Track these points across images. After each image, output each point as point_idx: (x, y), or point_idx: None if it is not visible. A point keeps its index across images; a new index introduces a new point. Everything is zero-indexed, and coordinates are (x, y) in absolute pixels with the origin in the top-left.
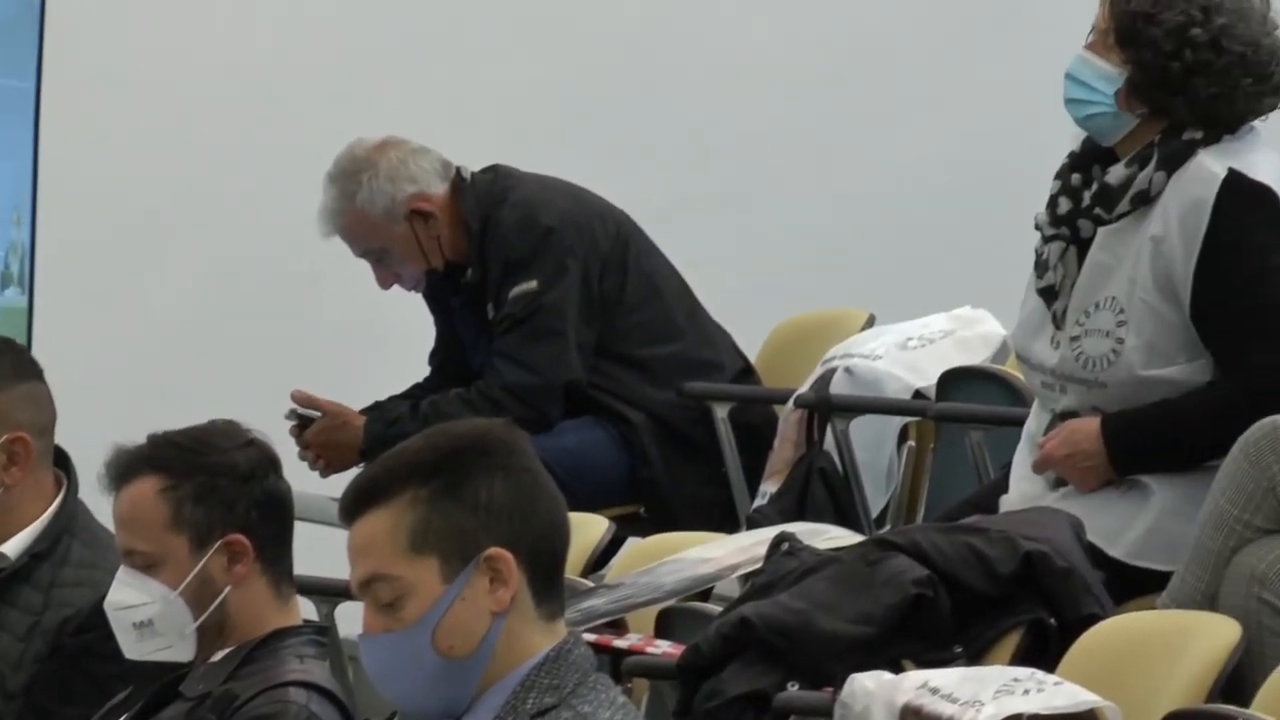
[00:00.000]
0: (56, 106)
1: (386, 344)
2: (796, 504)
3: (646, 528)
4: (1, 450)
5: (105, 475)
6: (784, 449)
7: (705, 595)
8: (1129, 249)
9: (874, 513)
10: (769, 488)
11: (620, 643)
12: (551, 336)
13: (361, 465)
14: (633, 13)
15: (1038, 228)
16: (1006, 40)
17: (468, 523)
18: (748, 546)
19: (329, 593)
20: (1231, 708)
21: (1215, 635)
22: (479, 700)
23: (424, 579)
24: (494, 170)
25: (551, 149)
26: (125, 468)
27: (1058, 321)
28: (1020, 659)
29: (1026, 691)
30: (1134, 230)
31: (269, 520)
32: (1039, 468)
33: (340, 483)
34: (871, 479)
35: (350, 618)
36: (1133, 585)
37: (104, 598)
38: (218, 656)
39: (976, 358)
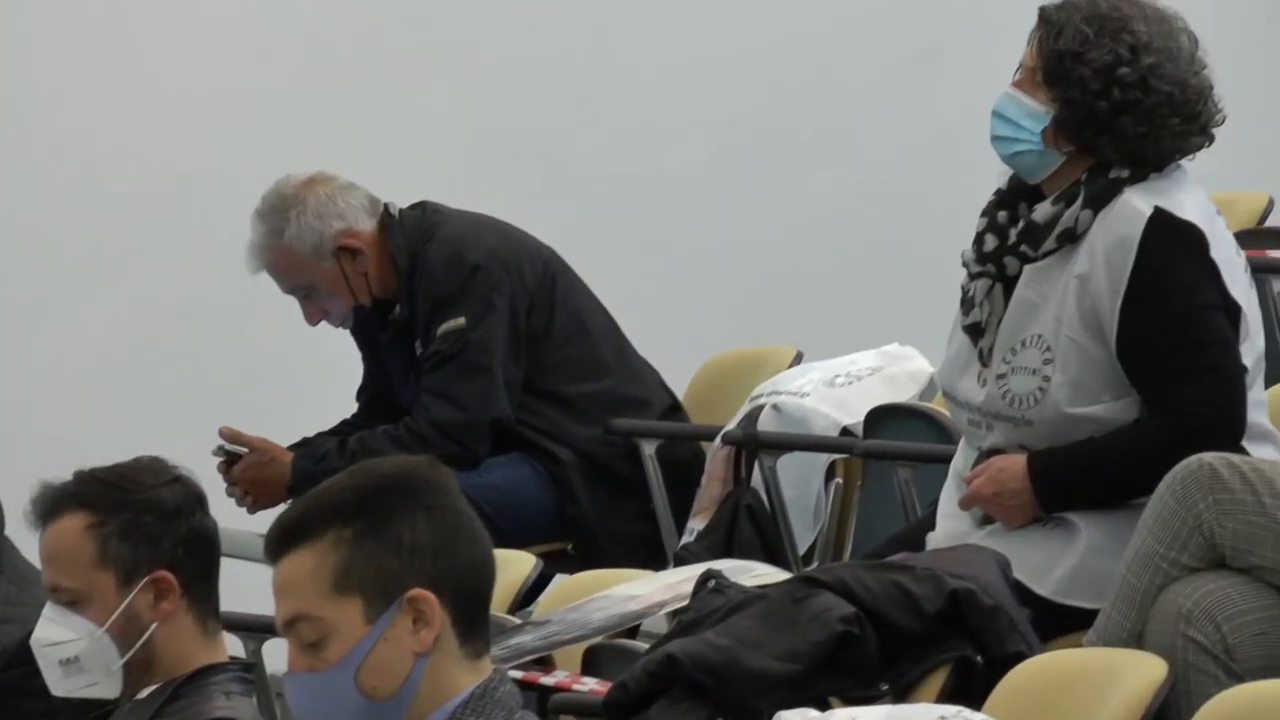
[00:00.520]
0: None
1: (314, 380)
2: (724, 541)
3: (574, 564)
4: None
5: (31, 512)
6: (711, 486)
7: (632, 632)
8: (1055, 287)
9: (801, 550)
10: (696, 525)
11: (547, 680)
12: (479, 373)
13: (289, 502)
14: (560, 51)
15: (964, 265)
16: (932, 77)
17: (391, 563)
18: (675, 584)
19: (256, 629)
20: None
21: (1142, 673)
22: None
23: (347, 620)
24: (422, 207)
25: (479, 186)
26: (51, 504)
27: (984, 359)
28: (947, 697)
29: None
30: (1060, 268)
31: (195, 557)
32: (965, 504)
33: (268, 519)
34: (799, 516)
35: (278, 654)
36: (1059, 623)
37: (30, 634)
38: (144, 693)
39: (904, 395)
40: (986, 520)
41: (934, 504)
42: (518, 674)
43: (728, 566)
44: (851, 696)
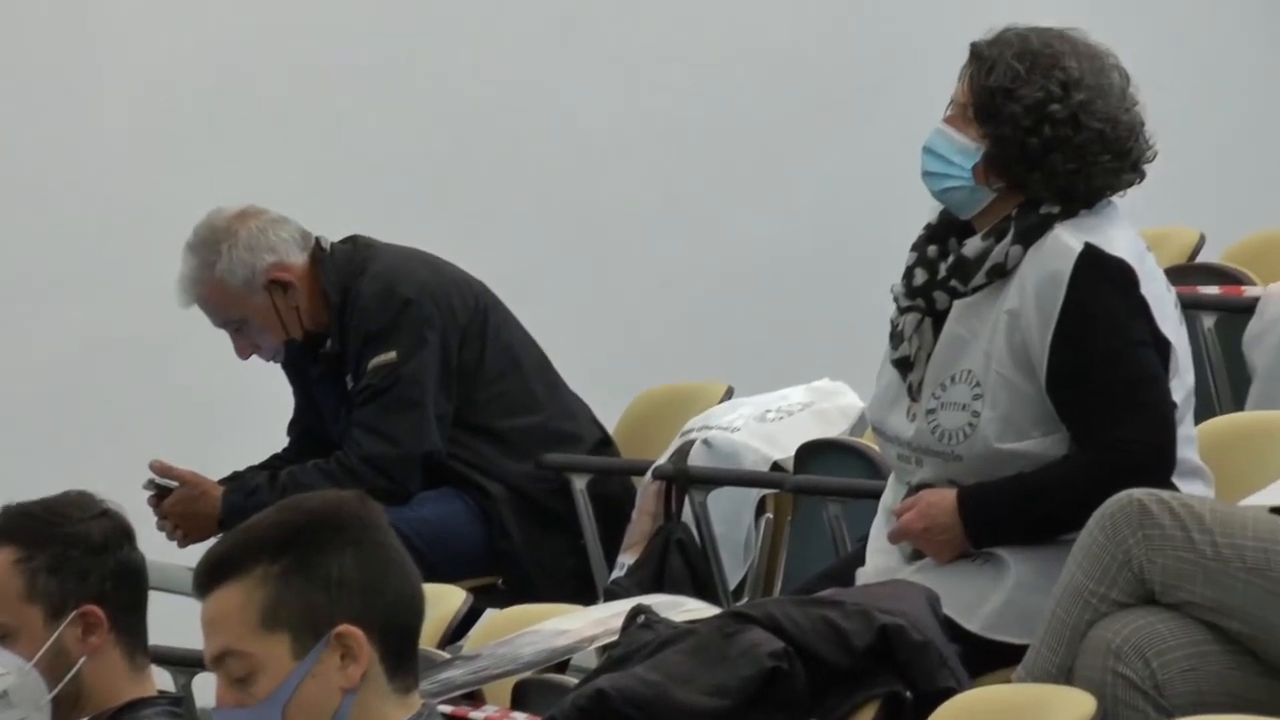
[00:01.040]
0: None
1: (245, 414)
2: (654, 576)
3: (504, 599)
4: None
5: None
6: (642, 521)
7: (562, 667)
8: (985, 322)
9: (732, 585)
10: (627, 559)
11: (476, 714)
12: (410, 407)
13: (220, 535)
14: (491, 83)
15: (894, 299)
16: (863, 114)
17: (319, 599)
18: (605, 618)
19: (185, 663)
20: None
21: (1071, 709)
22: None
23: (275, 655)
24: (353, 241)
25: (410, 220)
26: None
27: (913, 394)
28: None
29: None
30: (990, 303)
31: (123, 591)
32: (894, 538)
33: (199, 553)
34: (729, 551)
35: (207, 688)
36: (989, 658)
37: None
38: None
39: (834, 430)
40: (916, 555)
41: (864, 539)
42: (447, 708)
43: (658, 601)
44: None
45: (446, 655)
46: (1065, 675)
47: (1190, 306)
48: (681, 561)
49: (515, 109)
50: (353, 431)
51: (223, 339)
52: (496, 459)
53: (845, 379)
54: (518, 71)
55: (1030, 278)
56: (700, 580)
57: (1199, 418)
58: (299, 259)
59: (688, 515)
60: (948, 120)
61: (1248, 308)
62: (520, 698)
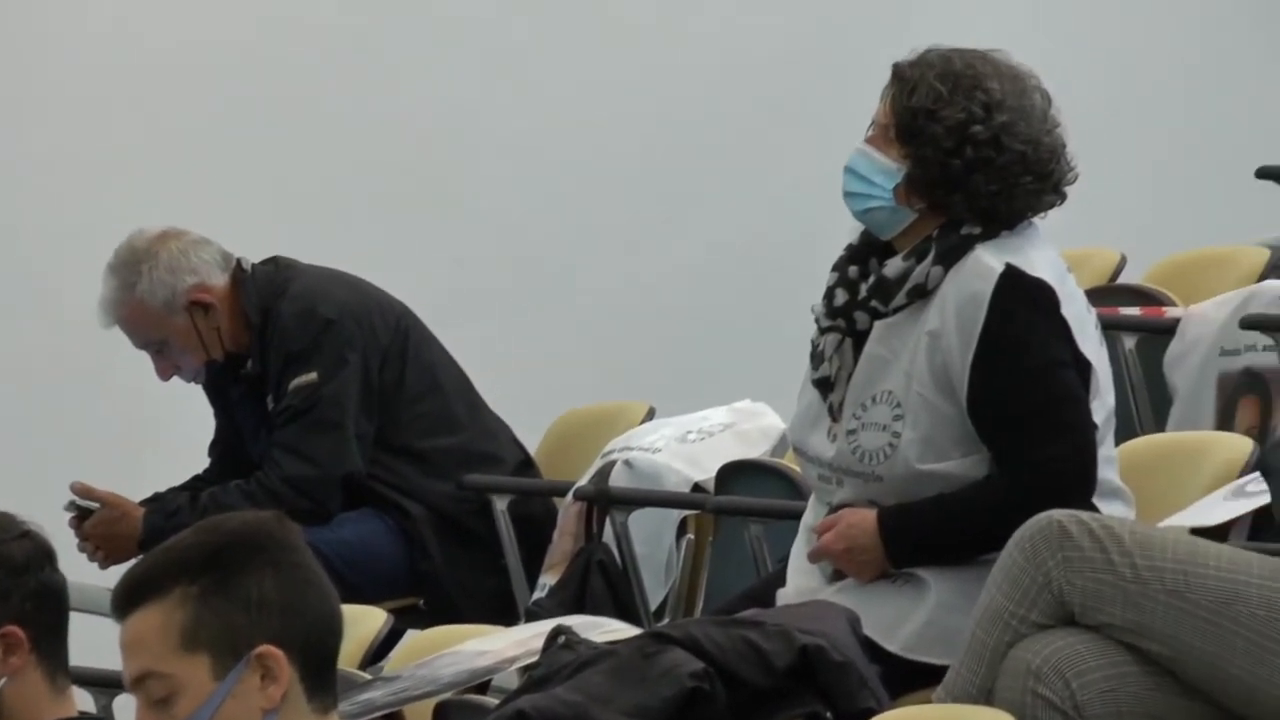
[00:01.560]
0: None
1: (166, 435)
2: (576, 597)
3: (425, 620)
4: None
5: None
6: (563, 541)
7: (483, 688)
8: (906, 343)
9: (653, 605)
10: (548, 580)
11: None
12: (331, 428)
13: (141, 557)
14: (416, 102)
15: (815, 319)
16: (783, 134)
17: (238, 620)
18: (526, 639)
19: (107, 684)
20: None
21: None
22: None
23: (195, 677)
24: (274, 262)
25: (331, 240)
26: None
27: (834, 414)
28: None
29: None
30: (911, 324)
31: (44, 612)
32: (814, 557)
33: (119, 574)
34: (650, 571)
35: (128, 710)
36: (909, 679)
37: None
38: None
39: (755, 451)
40: (837, 575)
41: (785, 560)
42: None
43: (579, 622)
44: None
45: (367, 676)
46: (985, 696)
47: (1111, 327)
48: (603, 582)
49: (440, 127)
50: (273, 452)
51: (144, 360)
52: (417, 479)
53: (766, 400)
54: (443, 89)
55: (951, 298)
56: (621, 601)
57: (1120, 439)
58: (220, 280)
59: (609, 536)
60: (869, 141)
61: (1169, 329)
62: (441, 718)
